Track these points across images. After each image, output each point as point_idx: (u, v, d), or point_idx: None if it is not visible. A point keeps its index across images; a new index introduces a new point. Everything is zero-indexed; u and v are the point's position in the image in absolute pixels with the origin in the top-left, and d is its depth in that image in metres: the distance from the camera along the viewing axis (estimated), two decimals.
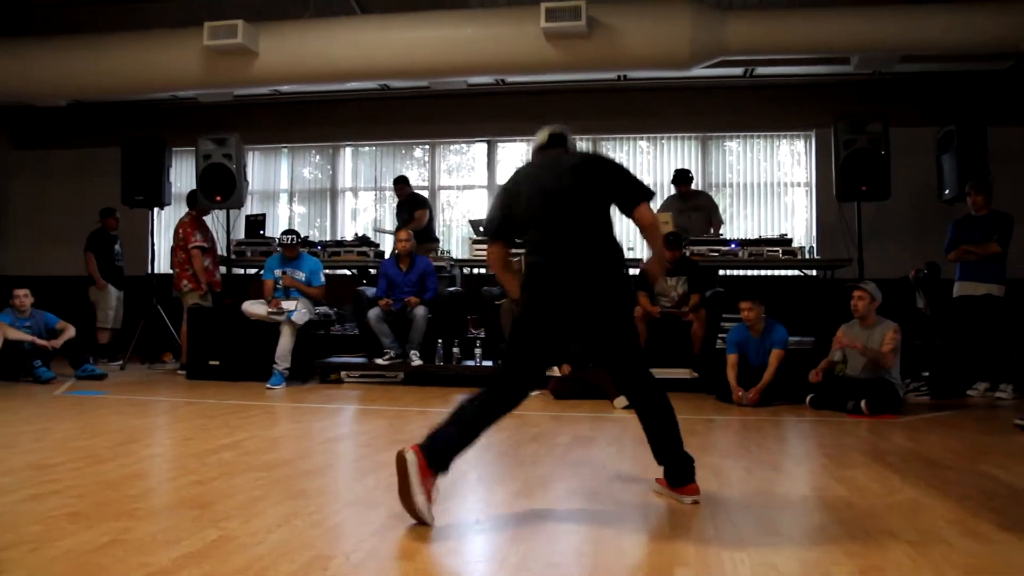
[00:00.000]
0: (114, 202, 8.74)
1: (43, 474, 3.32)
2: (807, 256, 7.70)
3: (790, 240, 7.62)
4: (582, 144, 9.52)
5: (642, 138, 9.73)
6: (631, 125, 9.59)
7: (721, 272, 7.89)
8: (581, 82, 9.11)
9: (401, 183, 8.63)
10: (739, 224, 9.35)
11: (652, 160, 9.71)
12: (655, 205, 9.27)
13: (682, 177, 8.15)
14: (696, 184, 8.86)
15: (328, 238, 9.73)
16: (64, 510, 2.74)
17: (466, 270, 8.53)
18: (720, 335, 6.78)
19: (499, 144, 9.99)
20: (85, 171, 10.38)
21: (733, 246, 7.50)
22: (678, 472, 2.96)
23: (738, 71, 8.83)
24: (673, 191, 8.31)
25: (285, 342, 6.82)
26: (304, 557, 2.28)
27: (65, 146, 10.68)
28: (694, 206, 8.11)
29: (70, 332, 7.37)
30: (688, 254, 7.20)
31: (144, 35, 7.88)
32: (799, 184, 9.51)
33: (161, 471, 3.54)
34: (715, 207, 8.28)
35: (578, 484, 3.26)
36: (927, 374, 6.57)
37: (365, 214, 10.53)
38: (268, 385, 6.65)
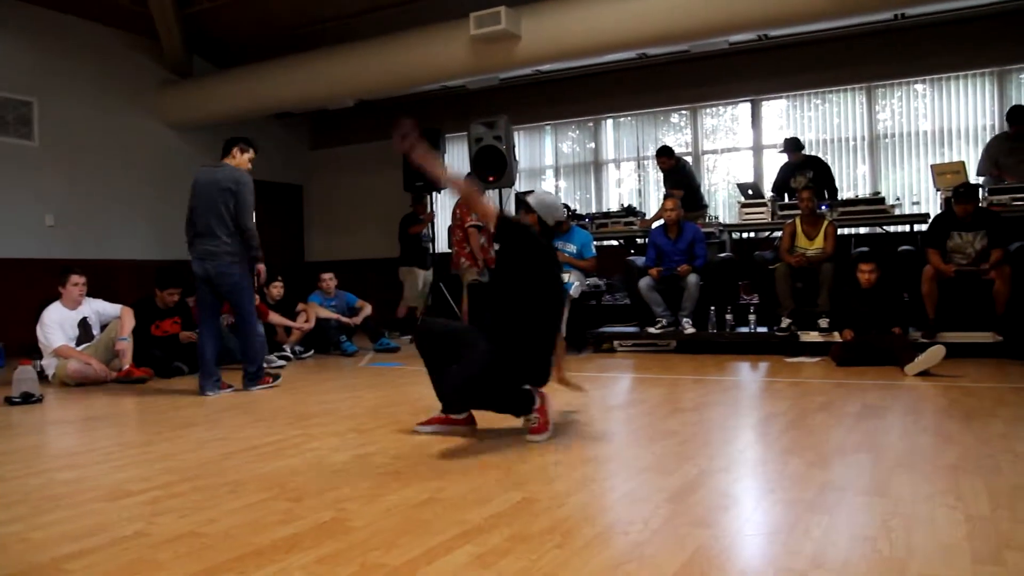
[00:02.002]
0: (396, 189, 9.49)
1: (364, 436, 3.73)
2: None
3: None
4: (852, 95, 8.96)
5: (918, 81, 8.84)
6: (908, 68, 8.76)
7: None
8: (850, 27, 8.39)
9: (663, 155, 8.55)
10: None
11: (930, 104, 8.79)
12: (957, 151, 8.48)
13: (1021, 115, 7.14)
14: (993, 127, 7.93)
15: (593, 210, 9.92)
16: (386, 468, 3.07)
17: (736, 235, 8.31)
18: None
19: (763, 102, 9.58)
20: (370, 164, 11.44)
21: None
22: None
23: None
24: (1005, 128, 7.33)
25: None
26: (604, 521, 2.38)
27: (352, 142, 11.81)
28: None
29: (367, 310, 8.19)
30: (987, 205, 6.50)
31: (416, 32, 8.49)
32: None
33: (459, 436, 3.82)
34: None
35: (876, 455, 3.09)
36: None
37: (628, 183, 10.57)
38: None
